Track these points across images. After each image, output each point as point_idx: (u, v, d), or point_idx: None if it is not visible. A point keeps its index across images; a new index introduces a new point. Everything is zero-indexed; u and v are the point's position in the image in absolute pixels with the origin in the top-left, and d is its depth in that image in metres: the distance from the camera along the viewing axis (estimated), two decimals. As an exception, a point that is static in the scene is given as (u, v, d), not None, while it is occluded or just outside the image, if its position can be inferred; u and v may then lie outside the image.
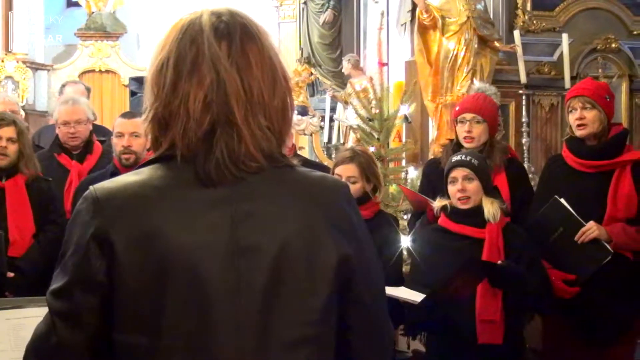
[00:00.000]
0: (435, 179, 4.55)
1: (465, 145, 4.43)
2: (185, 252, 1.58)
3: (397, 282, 3.96)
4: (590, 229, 4.09)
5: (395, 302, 3.62)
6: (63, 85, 7.17)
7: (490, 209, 3.88)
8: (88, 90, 6.95)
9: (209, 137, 1.62)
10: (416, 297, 3.69)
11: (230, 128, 1.62)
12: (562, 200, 4.16)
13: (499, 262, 3.74)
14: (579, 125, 4.22)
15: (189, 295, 1.58)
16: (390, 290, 3.65)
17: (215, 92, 1.62)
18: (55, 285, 1.63)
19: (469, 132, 4.42)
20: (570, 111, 4.28)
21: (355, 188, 4.09)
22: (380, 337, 1.82)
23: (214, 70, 1.62)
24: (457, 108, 4.61)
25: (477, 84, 6.28)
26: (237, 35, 1.66)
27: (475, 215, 3.90)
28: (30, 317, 2.83)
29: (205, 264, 1.59)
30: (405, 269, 4.53)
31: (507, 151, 4.60)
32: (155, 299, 1.58)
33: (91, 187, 1.66)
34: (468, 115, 4.45)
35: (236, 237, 1.61)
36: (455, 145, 4.52)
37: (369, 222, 3.94)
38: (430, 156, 6.38)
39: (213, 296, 1.59)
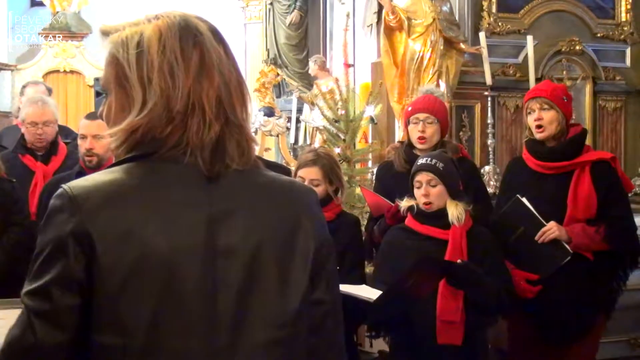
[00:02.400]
0: (388, 181, 4.57)
1: (418, 145, 4.45)
2: (162, 253, 1.59)
3: (360, 284, 3.96)
4: (551, 229, 4.12)
5: (355, 301, 3.62)
6: (24, 86, 7.09)
7: (454, 212, 3.89)
8: (49, 90, 6.89)
9: (220, 134, 1.67)
10: (374, 294, 3.69)
11: (233, 127, 1.68)
12: (524, 200, 4.19)
13: (458, 261, 3.75)
14: (537, 127, 4.25)
15: (165, 296, 1.59)
16: (348, 288, 3.66)
17: (224, 92, 1.67)
18: (32, 285, 1.61)
19: (422, 131, 4.44)
20: (529, 112, 4.31)
21: (317, 191, 4.09)
22: (338, 338, 1.85)
23: (219, 72, 1.67)
24: (409, 109, 4.62)
25: (423, 87, 6.30)
26: (224, 39, 1.73)
27: (440, 218, 3.92)
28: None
29: (182, 265, 1.60)
30: (370, 269, 4.55)
31: (458, 150, 4.63)
32: (132, 299, 1.58)
33: (64, 186, 1.63)
34: (421, 115, 4.47)
35: (213, 239, 1.63)
36: (407, 147, 4.53)
37: (330, 224, 3.95)
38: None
39: (189, 297, 1.60)
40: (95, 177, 1.66)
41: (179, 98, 1.64)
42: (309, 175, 4.11)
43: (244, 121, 1.69)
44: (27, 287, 1.62)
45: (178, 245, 1.60)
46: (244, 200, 1.68)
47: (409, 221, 4.02)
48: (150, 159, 1.65)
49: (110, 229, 1.58)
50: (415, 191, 3.98)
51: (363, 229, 4.61)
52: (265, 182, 1.74)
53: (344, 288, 3.61)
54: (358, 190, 6.10)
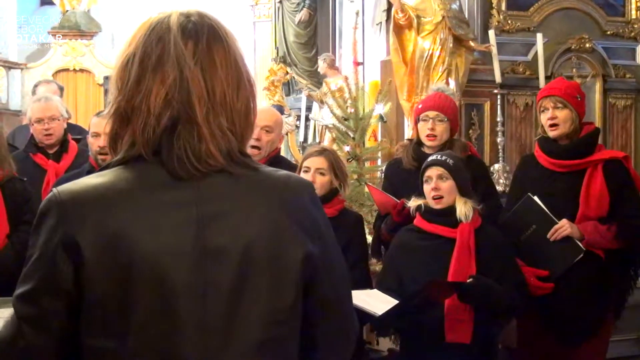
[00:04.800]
0: (396, 179, 4.58)
1: (427, 143, 4.46)
2: (151, 255, 1.58)
3: (365, 283, 3.96)
4: (563, 227, 4.12)
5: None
6: (36, 85, 7.12)
7: (463, 208, 3.89)
8: (61, 89, 6.93)
9: (170, 134, 1.63)
10: (380, 306, 3.68)
11: (191, 126, 1.63)
12: (536, 198, 4.19)
13: (468, 280, 3.73)
14: (551, 126, 4.25)
15: (155, 299, 1.58)
16: (357, 297, 3.66)
17: (177, 90, 1.63)
18: (22, 289, 1.62)
19: (432, 129, 4.44)
20: (542, 111, 4.30)
21: (324, 180, 4.09)
22: (345, 336, 1.86)
23: (178, 69, 1.63)
24: (419, 106, 4.63)
25: (434, 85, 6.30)
26: (204, 36, 1.68)
27: (448, 215, 3.91)
28: (3, 318, 2.81)
29: (171, 267, 1.59)
30: (379, 267, 4.55)
31: (467, 148, 4.62)
32: (122, 302, 1.57)
33: (54, 190, 1.64)
34: (431, 113, 4.47)
35: (202, 240, 1.61)
36: (416, 145, 4.53)
37: (333, 220, 3.95)
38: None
39: (179, 299, 1.59)
40: (85, 180, 1.66)
41: (128, 96, 1.65)
42: (315, 164, 4.12)
43: (204, 121, 1.63)
44: (17, 291, 1.63)
45: (166, 247, 1.59)
46: (234, 200, 1.66)
47: (418, 221, 4.02)
48: (135, 161, 1.65)
49: (98, 233, 1.58)
50: (425, 186, 3.98)
51: (371, 227, 4.61)
52: (257, 180, 1.71)
53: (354, 296, 3.62)
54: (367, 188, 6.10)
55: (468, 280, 3.72)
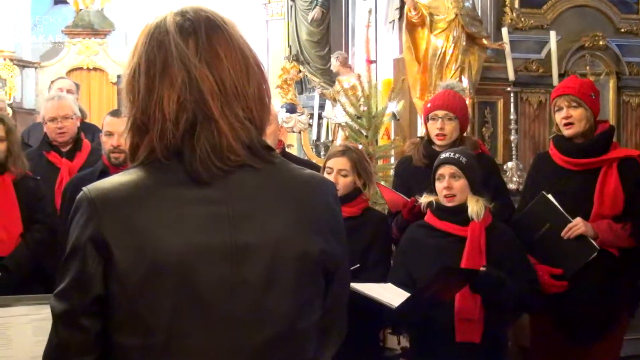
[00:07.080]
0: (406, 176, 4.57)
1: (437, 142, 4.47)
2: (179, 252, 1.59)
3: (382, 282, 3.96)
4: (577, 225, 4.10)
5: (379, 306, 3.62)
6: (52, 82, 7.14)
7: (475, 207, 3.88)
8: (77, 86, 6.94)
9: (189, 135, 1.63)
10: (396, 299, 3.68)
11: (209, 123, 1.63)
12: (550, 196, 4.17)
13: (481, 268, 3.73)
14: (566, 124, 4.23)
15: (183, 295, 1.59)
16: (372, 290, 3.64)
17: (188, 91, 1.63)
18: (57, 288, 1.65)
19: (441, 129, 4.45)
20: (557, 110, 4.29)
21: (346, 182, 4.08)
22: (339, 334, 1.89)
23: (184, 69, 1.64)
24: (428, 105, 4.62)
25: (445, 81, 6.28)
26: (202, 30, 1.67)
27: (459, 213, 3.90)
28: (17, 315, 2.82)
29: (200, 264, 1.60)
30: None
31: (477, 146, 4.63)
32: (151, 299, 1.59)
33: (85, 189, 1.66)
34: (440, 112, 4.47)
35: (231, 238, 1.63)
36: (427, 143, 4.53)
37: (356, 220, 3.99)
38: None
39: (207, 296, 1.60)
40: (114, 179, 1.67)
41: (142, 107, 1.65)
42: (338, 165, 4.10)
43: (221, 115, 1.64)
44: (55, 290, 1.66)
45: (194, 246, 1.60)
46: (262, 198, 1.68)
47: (428, 217, 4.01)
48: (160, 161, 1.66)
49: (127, 231, 1.59)
50: (437, 184, 3.97)
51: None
52: (284, 178, 1.73)
53: (370, 288, 3.61)
54: (380, 187, 6.09)
55: (481, 269, 3.71)
